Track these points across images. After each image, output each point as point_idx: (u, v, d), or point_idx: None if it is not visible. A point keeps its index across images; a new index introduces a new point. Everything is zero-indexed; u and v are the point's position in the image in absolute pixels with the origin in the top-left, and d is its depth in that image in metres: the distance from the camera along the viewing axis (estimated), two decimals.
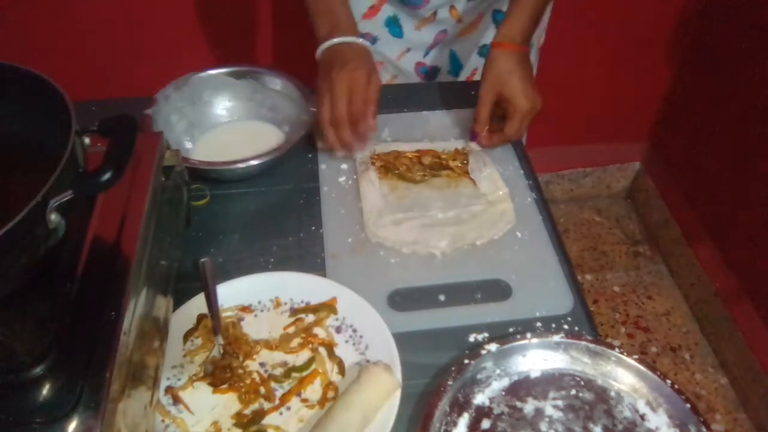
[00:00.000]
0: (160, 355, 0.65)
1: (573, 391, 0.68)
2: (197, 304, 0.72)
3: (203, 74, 0.98)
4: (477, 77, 1.19)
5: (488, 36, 1.13)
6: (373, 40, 1.12)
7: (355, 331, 0.72)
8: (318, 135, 0.92)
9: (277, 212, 0.88)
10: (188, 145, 0.96)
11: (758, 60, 1.57)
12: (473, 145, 0.95)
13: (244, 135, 0.98)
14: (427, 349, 0.72)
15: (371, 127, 0.87)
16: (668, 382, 0.66)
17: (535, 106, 0.89)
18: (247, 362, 0.69)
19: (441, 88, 1.13)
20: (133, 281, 0.58)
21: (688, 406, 0.65)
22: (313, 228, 0.85)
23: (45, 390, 0.51)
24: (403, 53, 1.14)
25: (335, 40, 0.88)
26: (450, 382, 0.66)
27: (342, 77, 0.84)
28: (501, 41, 0.90)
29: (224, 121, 1.00)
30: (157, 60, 1.56)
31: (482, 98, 0.91)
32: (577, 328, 0.74)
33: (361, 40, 0.89)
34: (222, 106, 1.00)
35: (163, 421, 0.64)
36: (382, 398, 0.64)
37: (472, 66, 1.17)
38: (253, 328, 0.72)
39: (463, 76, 1.19)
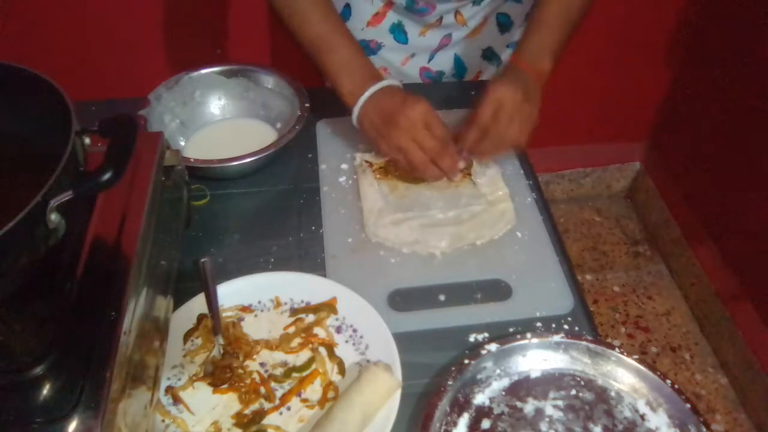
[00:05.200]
0: (160, 355, 0.65)
1: (573, 391, 0.68)
2: (197, 304, 0.72)
3: (194, 73, 0.98)
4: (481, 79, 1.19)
5: (492, 39, 1.13)
6: (378, 46, 1.12)
7: (355, 331, 0.72)
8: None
9: (277, 212, 0.88)
10: (181, 143, 0.96)
11: (758, 60, 1.57)
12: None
13: (237, 133, 0.99)
14: (427, 349, 0.72)
15: (455, 165, 0.84)
16: (668, 382, 0.66)
17: (516, 99, 0.81)
18: (247, 362, 0.69)
19: (442, 89, 1.13)
20: (133, 281, 0.58)
21: (688, 406, 0.65)
22: (313, 228, 0.85)
23: (45, 390, 0.51)
24: (407, 59, 1.14)
25: (367, 95, 0.83)
26: (450, 382, 0.66)
27: (402, 138, 0.80)
28: (512, 59, 0.88)
29: (217, 119, 1.00)
30: (157, 60, 1.57)
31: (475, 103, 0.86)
32: (577, 328, 0.74)
33: (393, 81, 0.85)
34: (214, 105, 1.00)
35: (163, 421, 0.64)
36: (382, 398, 0.64)
37: (476, 69, 1.17)
38: (253, 328, 0.72)
39: (467, 79, 1.19)
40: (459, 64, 1.15)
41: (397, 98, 0.83)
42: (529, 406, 0.67)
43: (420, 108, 0.80)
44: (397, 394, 0.64)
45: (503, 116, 0.83)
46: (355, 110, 0.85)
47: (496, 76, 0.87)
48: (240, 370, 0.68)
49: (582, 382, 0.69)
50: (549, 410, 0.66)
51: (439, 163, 0.83)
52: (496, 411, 0.66)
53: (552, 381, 0.69)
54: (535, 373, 0.69)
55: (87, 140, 0.59)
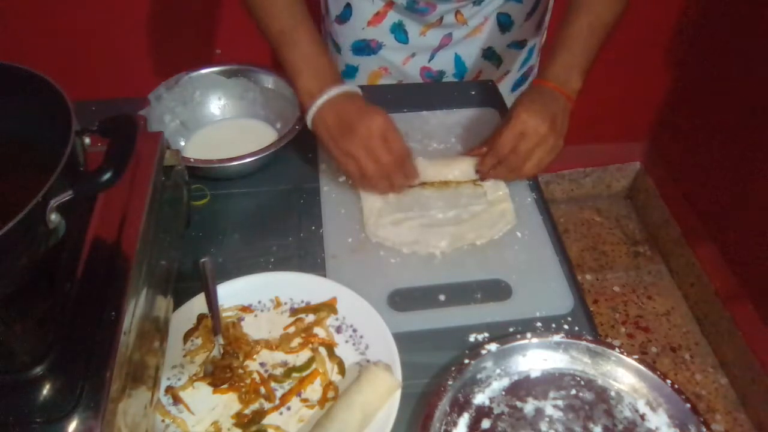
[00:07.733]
0: (160, 355, 0.65)
1: (573, 391, 0.68)
2: (197, 304, 0.72)
3: (194, 74, 0.98)
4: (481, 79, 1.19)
5: (493, 38, 1.13)
6: (379, 46, 1.12)
7: (355, 331, 0.72)
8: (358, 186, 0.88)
9: (277, 212, 0.88)
10: (181, 143, 0.96)
11: (758, 60, 1.58)
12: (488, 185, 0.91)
13: (236, 133, 0.99)
14: (427, 349, 0.72)
15: (414, 176, 0.85)
16: (668, 382, 0.66)
17: (540, 132, 0.79)
18: (247, 362, 0.69)
19: (441, 88, 1.13)
20: (133, 281, 0.58)
21: (688, 406, 0.65)
22: (313, 228, 0.85)
23: (45, 390, 0.51)
24: (408, 58, 1.14)
25: (326, 97, 0.80)
26: (450, 382, 0.66)
27: (355, 145, 0.79)
28: (537, 79, 0.87)
29: (217, 119, 1.00)
30: (157, 60, 1.57)
31: (499, 124, 0.88)
32: (577, 328, 0.74)
33: (353, 87, 0.83)
34: (214, 105, 1.00)
35: (163, 421, 0.64)
36: (382, 398, 0.64)
37: (477, 68, 1.17)
38: (253, 328, 0.72)
39: (467, 79, 1.19)
40: (460, 64, 1.15)
41: (356, 105, 0.81)
42: (529, 406, 0.67)
43: (380, 120, 0.79)
44: (397, 394, 0.64)
45: (523, 147, 0.81)
46: (312, 111, 0.82)
47: (523, 96, 0.84)
48: (240, 370, 0.68)
49: (582, 382, 0.69)
50: (549, 410, 0.66)
51: (392, 179, 0.82)
52: (496, 411, 0.66)
53: (552, 381, 0.69)
54: (535, 373, 0.69)
55: (87, 140, 0.59)
